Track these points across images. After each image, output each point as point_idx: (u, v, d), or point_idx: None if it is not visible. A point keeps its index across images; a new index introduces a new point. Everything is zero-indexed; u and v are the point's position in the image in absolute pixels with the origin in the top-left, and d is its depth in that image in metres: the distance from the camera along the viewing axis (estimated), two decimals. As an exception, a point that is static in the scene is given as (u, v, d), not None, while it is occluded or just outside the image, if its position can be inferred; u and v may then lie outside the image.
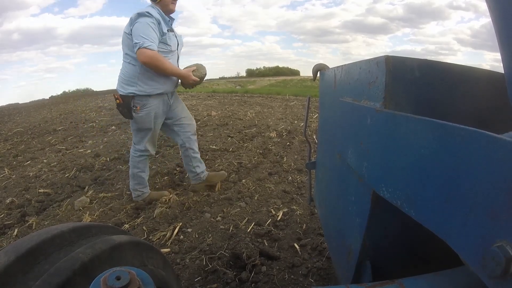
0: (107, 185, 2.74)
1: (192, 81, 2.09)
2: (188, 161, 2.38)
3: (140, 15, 1.85)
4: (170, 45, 1.99)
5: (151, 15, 1.85)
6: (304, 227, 1.93)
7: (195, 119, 2.58)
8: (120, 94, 1.97)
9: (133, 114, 2.00)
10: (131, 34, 1.86)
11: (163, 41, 1.94)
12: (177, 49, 2.11)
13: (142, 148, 2.18)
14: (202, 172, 2.45)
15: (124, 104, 1.97)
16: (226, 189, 2.56)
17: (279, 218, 2.04)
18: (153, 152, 2.29)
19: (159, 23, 1.89)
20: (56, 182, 2.87)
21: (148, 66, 1.89)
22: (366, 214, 0.66)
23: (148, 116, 2.05)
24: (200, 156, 2.34)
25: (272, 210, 2.17)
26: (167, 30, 1.95)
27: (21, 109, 11.71)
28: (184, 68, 2.14)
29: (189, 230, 1.94)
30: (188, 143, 2.32)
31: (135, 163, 2.21)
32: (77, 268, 0.54)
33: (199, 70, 2.15)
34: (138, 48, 1.80)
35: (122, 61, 2.02)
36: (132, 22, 1.86)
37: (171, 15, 2.06)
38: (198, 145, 3.87)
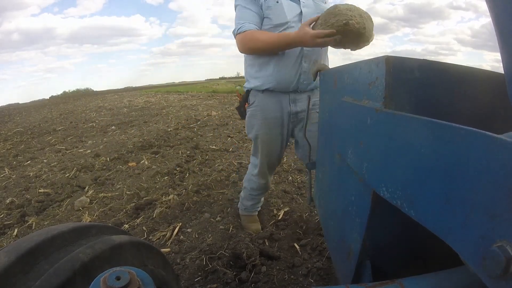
0: (107, 185, 2.74)
1: (317, 38, 1.20)
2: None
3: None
4: (270, 18, 1.41)
5: None
6: (304, 227, 1.93)
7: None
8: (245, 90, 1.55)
9: (246, 112, 1.57)
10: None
11: (265, 16, 1.41)
12: (296, 19, 1.40)
13: (255, 163, 1.67)
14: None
15: (242, 101, 1.57)
16: (226, 189, 2.56)
17: (280, 217, 2.04)
18: (263, 182, 1.73)
19: None
20: (56, 182, 2.87)
21: (247, 53, 1.50)
22: (366, 214, 0.66)
23: (253, 116, 1.54)
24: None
25: (274, 210, 2.17)
26: None
27: (21, 109, 11.71)
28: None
29: (189, 230, 1.94)
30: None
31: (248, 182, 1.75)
32: (77, 268, 0.54)
33: (332, 16, 1.19)
34: (235, 38, 1.47)
35: None
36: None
37: None
38: (198, 145, 3.90)
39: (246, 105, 1.57)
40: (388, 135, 0.55)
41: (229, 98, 10.47)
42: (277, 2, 1.40)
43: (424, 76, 0.63)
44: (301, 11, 1.41)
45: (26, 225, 2.08)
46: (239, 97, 1.62)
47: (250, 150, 3.65)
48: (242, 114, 1.59)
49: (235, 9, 1.50)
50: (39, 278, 0.52)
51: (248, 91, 1.54)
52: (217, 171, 2.93)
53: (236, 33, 1.45)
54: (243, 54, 1.59)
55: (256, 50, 1.43)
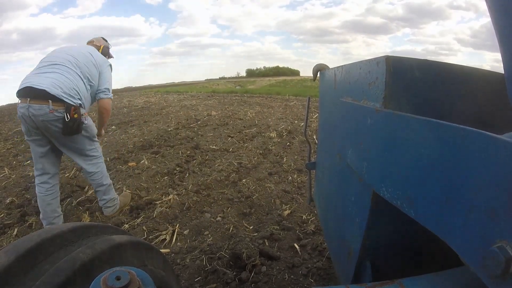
0: (107, 185, 2.73)
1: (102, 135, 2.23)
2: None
3: (110, 64, 2.05)
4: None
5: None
6: (304, 227, 1.93)
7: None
8: (75, 106, 1.68)
9: (85, 122, 1.79)
10: (100, 72, 1.92)
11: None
12: None
13: (99, 151, 2.05)
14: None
15: (79, 117, 1.70)
16: (226, 189, 2.56)
17: (280, 217, 2.04)
18: None
19: None
20: (56, 182, 2.87)
21: (104, 113, 2.03)
22: (366, 214, 0.66)
23: (90, 120, 1.91)
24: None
25: (274, 210, 2.17)
26: None
27: (21, 109, 11.70)
28: None
29: (189, 230, 1.94)
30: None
31: (105, 173, 2.08)
32: (77, 268, 0.53)
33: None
34: (107, 97, 1.97)
35: (72, 72, 1.74)
36: (102, 62, 1.96)
37: None
38: (198, 145, 3.90)
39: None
40: (388, 135, 0.55)
41: (229, 98, 10.47)
42: None
43: (424, 76, 0.63)
44: None
45: (26, 225, 2.08)
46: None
47: (250, 150, 3.67)
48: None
49: (109, 69, 2.03)
50: (39, 278, 0.52)
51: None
52: (217, 171, 2.93)
53: (110, 97, 2.00)
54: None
55: (107, 117, 2.10)
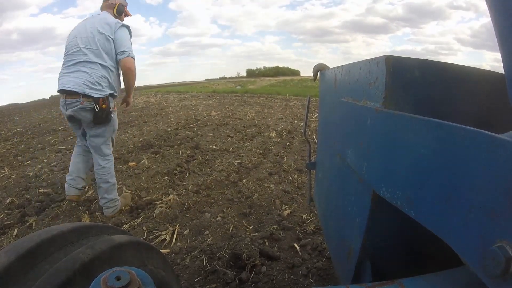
0: (107, 185, 2.73)
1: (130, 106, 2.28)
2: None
3: (122, 24, 2.01)
4: None
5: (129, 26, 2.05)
6: (304, 227, 1.93)
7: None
8: (103, 98, 1.89)
9: (112, 116, 1.99)
10: (113, 39, 1.95)
11: None
12: None
13: (111, 149, 2.16)
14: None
15: (108, 107, 1.91)
16: (226, 189, 2.56)
17: (281, 217, 2.04)
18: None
19: None
20: (56, 182, 2.87)
21: (128, 72, 2.00)
22: (366, 214, 0.66)
23: (116, 114, 2.10)
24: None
25: (274, 210, 2.17)
26: None
27: (21, 109, 11.71)
28: None
29: (189, 230, 1.94)
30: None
31: (112, 172, 2.13)
32: (77, 268, 0.53)
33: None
34: (125, 56, 1.96)
35: (91, 64, 1.91)
36: (114, 28, 1.96)
37: None
38: (198, 145, 3.90)
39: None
40: (388, 135, 0.55)
41: (229, 98, 10.47)
42: None
43: (424, 76, 0.63)
44: None
45: (26, 225, 2.08)
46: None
47: (250, 150, 3.67)
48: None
49: (125, 30, 2.01)
50: (39, 278, 0.52)
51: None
52: (217, 171, 2.93)
53: (131, 56, 1.98)
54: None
55: (133, 77, 2.04)
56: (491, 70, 0.72)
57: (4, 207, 2.39)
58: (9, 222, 2.11)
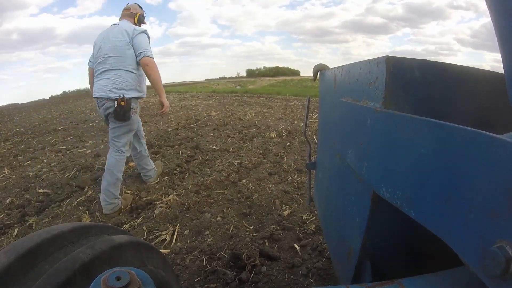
0: (107, 185, 2.73)
1: (166, 107, 2.39)
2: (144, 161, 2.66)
3: (140, 31, 2.20)
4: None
5: (147, 32, 2.24)
6: (304, 227, 1.93)
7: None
8: (126, 98, 2.15)
9: (131, 115, 2.18)
10: (132, 45, 2.16)
11: None
12: None
13: (127, 148, 2.31)
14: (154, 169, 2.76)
15: (127, 106, 2.15)
16: (226, 189, 2.56)
17: (281, 217, 2.04)
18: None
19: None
20: (56, 182, 2.87)
21: (148, 70, 2.17)
22: (366, 214, 0.66)
23: (137, 117, 2.32)
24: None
25: (274, 210, 2.17)
26: None
27: (21, 109, 11.71)
28: None
29: (189, 230, 1.94)
30: (143, 145, 2.62)
31: (120, 167, 2.25)
32: (77, 268, 0.54)
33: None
34: (143, 56, 2.13)
35: (114, 71, 2.16)
36: (132, 35, 2.16)
37: None
38: (198, 145, 3.90)
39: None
40: (388, 135, 0.55)
41: (229, 98, 10.47)
42: None
43: (424, 76, 0.63)
44: None
45: (26, 225, 2.08)
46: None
47: (250, 150, 3.66)
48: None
49: (143, 35, 2.20)
50: (39, 278, 0.52)
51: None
52: (217, 171, 2.94)
53: (147, 55, 2.16)
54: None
55: (155, 75, 2.21)
56: (491, 70, 0.72)
57: (4, 207, 2.39)
58: (9, 222, 2.11)
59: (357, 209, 0.73)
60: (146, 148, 2.64)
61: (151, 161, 2.73)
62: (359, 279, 0.76)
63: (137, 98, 2.25)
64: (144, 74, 2.24)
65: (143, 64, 2.15)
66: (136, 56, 2.16)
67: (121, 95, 2.11)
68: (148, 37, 2.25)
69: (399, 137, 0.52)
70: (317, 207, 1.35)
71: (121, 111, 2.12)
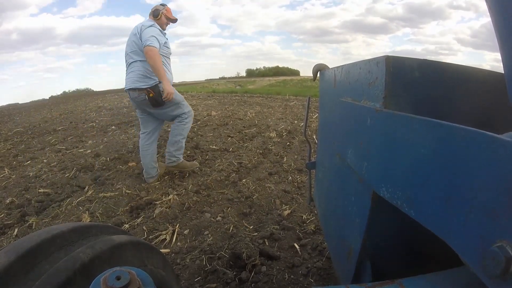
0: (107, 185, 2.74)
1: (167, 93, 2.43)
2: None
3: (148, 26, 2.40)
4: (169, 48, 2.60)
5: (155, 25, 2.47)
6: (304, 227, 1.93)
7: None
8: (150, 87, 2.40)
9: (163, 98, 2.43)
10: (141, 38, 2.37)
11: (165, 45, 2.51)
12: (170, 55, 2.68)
13: (189, 109, 2.66)
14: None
15: (156, 93, 2.40)
16: (226, 189, 2.56)
17: (281, 217, 2.04)
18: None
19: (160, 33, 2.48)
20: (56, 182, 2.87)
21: (148, 61, 2.34)
22: (366, 214, 0.66)
23: (172, 88, 2.49)
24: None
25: (274, 209, 2.17)
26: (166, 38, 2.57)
27: (21, 109, 11.71)
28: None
29: (189, 230, 1.94)
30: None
31: (181, 131, 2.64)
32: (77, 268, 0.54)
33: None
34: (145, 45, 2.31)
35: (134, 62, 2.45)
36: (139, 29, 2.39)
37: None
38: (198, 145, 3.90)
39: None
40: (388, 135, 0.55)
41: (229, 98, 10.47)
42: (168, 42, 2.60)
43: (424, 76, 0.63)
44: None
45: (26, 225, 2.08)
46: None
47: (250, 150, 3.67)
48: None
49: (149, 28, 2.41)
50: (39, 278, 0.52)
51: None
52: (217, 171, 2.94)
53: (147, 45, 2.32)
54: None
55: (154, 63, 2.34)
56: (491, 70, 0.72)
57: (4, 207, 2.39)
58: (9, 222, 2.11)
59: (357, 209, 0.73)
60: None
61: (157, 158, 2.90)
62: (359, 279, 0.76)
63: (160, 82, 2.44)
64: (165, 61, 2.48)
65: (145, 53, 2.32)
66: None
67: (150, 84, 2.39)
68: (159, 29, 2.45)
69: (399, 137, 0.52)
70: (317, 207, 1.35)
71: (153, 100, 2.39)
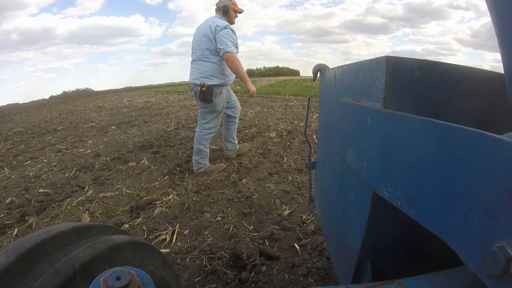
0: (107, 185, 2.74)
1: (252, 92, 2.95)
2: (230, 130, 3.12)
3: (223, 27, 2.50)
4: (238, 48, 2.67)
5: (229, 26, 2.57)
6: (304, 227, 1.93)
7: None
8: (207, 84, 2.58)
9: (213, 99, 2.62)
10: (215, 40, 2.50)
11: (237, 46, 2.63)
12: None
13: (212, 125, 2.79)
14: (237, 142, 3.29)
15: (208, 91, 2.56)
16: (226, 189, 2.56)
17: (281, 217, 2.04)
18: (217, 129, 2.93)
19: (233, 34, 2.59)
20: (56, 182, 2.87)
21: (230, 66, 2.55)
22: (366, 214, 0.66)
23: (223, 101, 2.75)
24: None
25: (274, 210, 2.17)
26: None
27: (21, 109, 11.71)
28: None
29: (189, 230, 1.94)
30: (236, 115, 3.07)
31: (201, 140, 2.77)
32: (77, 268, 0.54)
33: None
34: (223, 52, 2.47)
35: (201, 60, 2.61)
36: (214, 31, 2.49)
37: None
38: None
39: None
40: (388, 135, 0.55)
41: (229, 98, 10.46)
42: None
43: (424, 76, 0.63)
44: None
45: (26, 225, 2.08)
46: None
47: (250, 150, 3.66)
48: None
49: (224, 31, 2.51)
50: (39, 278, 0.52)
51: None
52: (217, 171, 2.93)
53: (228, 51, 2.49)
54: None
55: (236, 69, 2.60)
56: (491, 70, 0.72)
57: (4, 207, 2.39)
58: (9, 222, 2.11)
59: (357, 209, 0.73)
60: (237, 122, 3.13)
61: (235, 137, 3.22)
62: (359, 279, 0.76)
63: (219, 85, 2.63)
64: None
65: (225, 59, 2.51)
66: (218, 51, 2.51)
67: (202, 82, 2.55)
68: (232, 30, 2.56)
69: (399, 137, 0.52)
70: (317, 207, 1.35)
71: (203, 95, 2.57)
